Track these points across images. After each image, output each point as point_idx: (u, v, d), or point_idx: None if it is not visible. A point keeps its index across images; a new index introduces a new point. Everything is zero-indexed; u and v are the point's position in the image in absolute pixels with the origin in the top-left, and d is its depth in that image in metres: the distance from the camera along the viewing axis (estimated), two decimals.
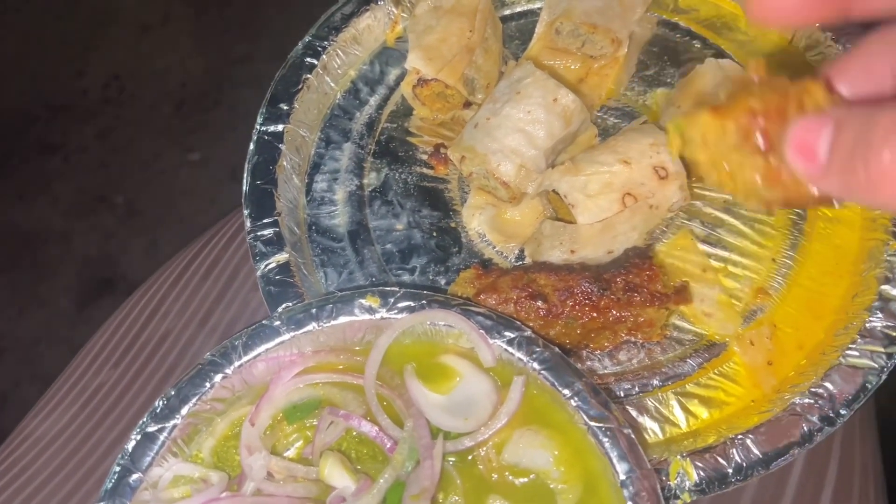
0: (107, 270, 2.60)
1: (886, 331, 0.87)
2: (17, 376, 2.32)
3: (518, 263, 1.01)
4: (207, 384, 0.83)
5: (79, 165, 2.83)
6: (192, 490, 0.80)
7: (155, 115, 2.90)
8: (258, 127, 1.08)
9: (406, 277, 1.02)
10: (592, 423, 0.76)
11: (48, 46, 3.10)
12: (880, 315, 0.88)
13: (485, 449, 0.79)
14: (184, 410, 0.82)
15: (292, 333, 0.85)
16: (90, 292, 2.55)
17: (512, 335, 0.82)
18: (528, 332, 0.82)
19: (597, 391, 0.78)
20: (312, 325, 0.85)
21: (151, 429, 0.81)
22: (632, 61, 1.14)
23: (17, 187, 2.80)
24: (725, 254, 0.99)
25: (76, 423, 1.02)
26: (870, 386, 0.85)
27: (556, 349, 0.81)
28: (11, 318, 2.53)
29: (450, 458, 0.79)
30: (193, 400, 0.82)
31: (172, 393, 0.82)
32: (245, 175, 1.05)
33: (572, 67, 1.13)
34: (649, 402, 0.91)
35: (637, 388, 0.92)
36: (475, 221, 1.04)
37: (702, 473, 0.82)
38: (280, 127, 1.08)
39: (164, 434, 0.81)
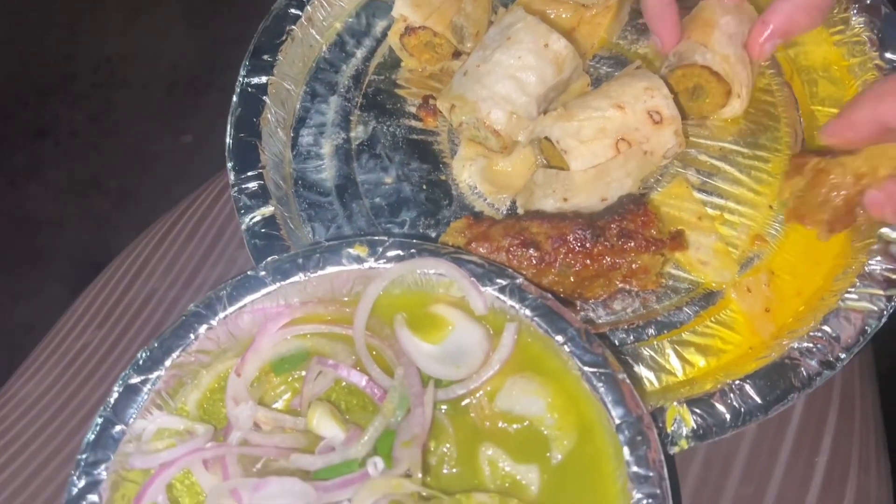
0: (100, 256, 2.51)
1: (886, 273, 0.85)
2: (11, 364, 2.27)
3: (510, 214, 0.99)
4: (191, 335, 0.80)
5: (70, 150, 2.79)
6: (177, 442, 0.78)
7: (146, 99, 2.86)
8: (241, 79, 1.05)
9: (396, 231, 0.99)
10: (586, 369, 0.74)
11: (37, 29, 3.05)
12: (879, 258, 0.87)
13: (477, 397, 0.77)
14: (167, 362, 0.79)
15: (278, 284, 0.82)
16: (84, 278, 2.51)
17: (504, 282, 0.80)
18: (520, 280, 0.80)
19: (591, 337, 0.76)
20: (299, 276, 0.83)
21: (134, 381, 0.78)
22: (624, 10, 1.11)
23: (7, 173, 2.76)
24: (721, 201, 0.97)
25: (60, 384, 1.00)
26: (869, 329, 0.83)
27: (550, 296, 0.79)
28: (5, 305, 2.50)
29: (441, 407, 0.77)
30: (177, 352, 0.80)
31: (155, 345, 0.80)
32: (228, 128, 1.02)
33: (564, 16, 1.10)
34: (645, 351, 0.89)
35: (632, 338, 0.90)
36: (466, 173, 1.02)
37: (699, 420, 0.81)
38: (264, 79, 1.05)
39: (148, 386, 0.78)
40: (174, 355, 0.80)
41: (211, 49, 2.90)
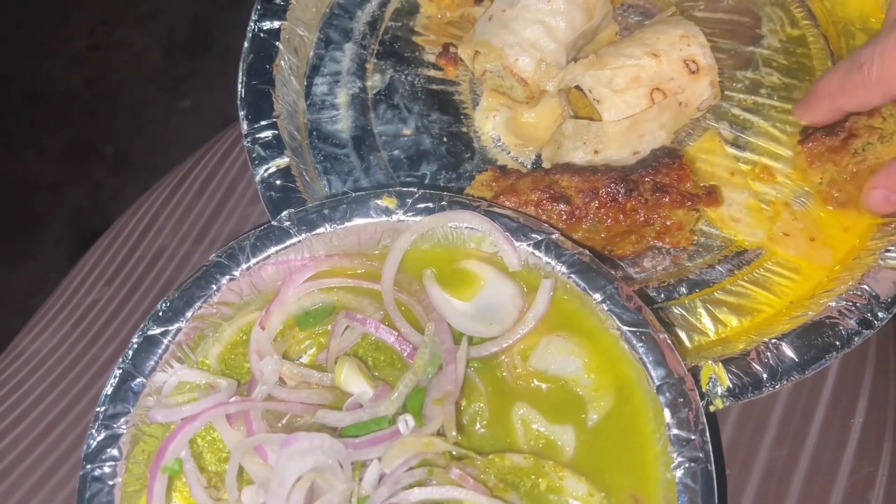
0: (98, 222, 2.50)
1: None
2: (11, 330, 2.25)
3: (535, 168, 0.95)
4: (213, 286, 0.77)
5: (66, 115, 2.73)
6: (199, 396, 0.76)
7: (143, 63, 2.79)
8: (252, 23, 1.00)
9: (415, 185, 0.96)
10: (625, 328, 0.71)
11: None
12: None
13: (510, 355, 0.75)
14: (188, 313, 0.76)
15: (304, 235, 0.79)
16: (82, 244, 2.49)
17: (539, 237, 0.76)
18: (556, 235, 0.76)
19: (630, 295, 0.73)
20: (325, 227, 0.79)
21: (154, 332, 0.75)
22: None
23: (3, 138, 2.70)
24: (755, 157, 0.93)
25: (70, 341, 0.97)
26: None
27: (587, 252, 0.75)
28: (3, 270, 2.47)
29: (473, 365, 0.74)
30: (199, 303, 0.77)
31: (176, 295, 0.77)
32: (240, 74, 0.97)
33: None
34: (676, 310, 0.87)
35: (663, 296, 0.87)
36: (489, 125, 0.98)
37: (734, 379, 0.78)
38: (276, 24, 1.01)
39: (168, 338, 0.75)
40: (196, 306, 0.77)
41: (209, 11, 2.82)
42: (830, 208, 0.89)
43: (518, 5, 0.92)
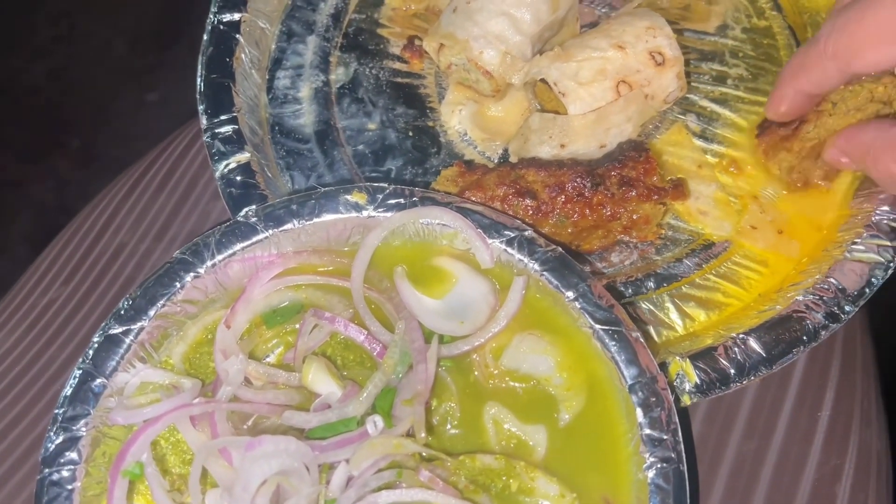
0: (64, 217, 2.44)
1: (892, 223, 0.83)
2: None
3: (502, 162, 0.94)
4: (177, 284, 0.75)
5: (30, 108, 2.65)
6: (162, 397, 0.74)
7: (109, 54, 2.71)
8: (212, 16, 0.98)
9: (380, 180, 0.94)
10: (598, 326, 0.71)
11: None
12: (886, 208, 0.84)
13: (482, 354, 0.74)
14: (151, 312, 0.75)
15: (271, 231, 0.77)
16: (48, 240, 2.44)
17: (512, 234, 0.75)
18: (529, 232, 0.75)
19: (602, 292, 0.72)
20: (293, 223, 0.77)
21: (115, 331, 0.73)
22: None
23: None
24: (722, 148, 0.93)
25: (25, 342, 0.94)
26: (875, 281, 0.81)
27: (559, 248, 0.75)
28: None
29: (443, 364, 0.73)
30: (162, 300, 0.75)
31: (139, 293, 0.75)
32: (199, 68, 0.94)
33: None
34: (643, 305, 0.86)
35: (631, 291, 0.87)
36: (455, 119, 0.96)
37: (702, 375, 0.78)
38: (237, 16, 0.98)
39: (130, 337, 0.73)
40: (159, 304, 0.75)
41: (176, 2, 2.75)
42: (788, 193, 0.90)
43: None
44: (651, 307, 0.86)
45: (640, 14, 0.89)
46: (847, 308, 0.80)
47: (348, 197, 0.78)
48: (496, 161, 0.95)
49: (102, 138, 2.58)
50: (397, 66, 1.01)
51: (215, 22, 0.97)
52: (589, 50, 0.86)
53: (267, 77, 1.00)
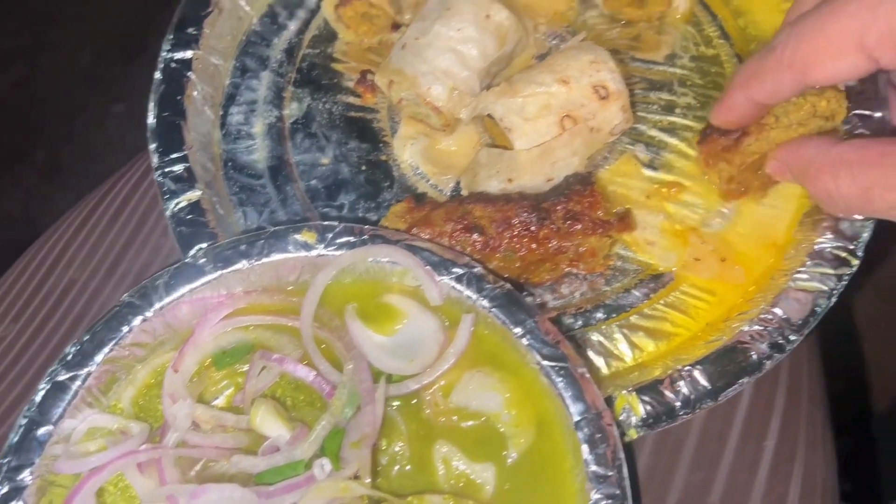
0: (29, 231, 2.41)
1: (836, 252, 0.84)
2: None
3: (454, 196, 0.95)
4: (125, 328, 0.75)
5: None
6: (109, 443, 0.73)
7: (75, 65, 2.69)
8: (164, 54, 0.98)
9: (334, 215, 0.94)
10: (545, 363, 0.71)
11: None
12: (830, 235, 0.85)
13: (431, 392, 0.74)
14: (99, 357, 0.74)
15: (219, 272, 0.77)
16: (13, 254, 2.40)
17: (461, 271, 0.76)
18: (478, 268, 0.76)
19: (549, 328, 0.73)
20: (242, 264, 0.77)
21: (62, 377, 0.73)
22: None
23: None
24: (670, 177, 0.94)
25: None
26: (819, 310, 0.82)
27: (508, 285, 0.75)
28: None
29: (394, 403, 0.73)
30: (110, 345, 0.74)
31: (86, 338, 0.74)
32: (150, 106, 0.95)
33: None
34: (593, 337, 0.87)
35: (580, 322, 0.87)
36: (407, 153, 0.97)
37: (648, 408, 0.78)
38: (189, 53, 0.99)
39: (77, 383, 0.73)
40: (106, 350, 0.75)
41: (143, 13, 2.74)
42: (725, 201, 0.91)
43: (430, 33, 0.91)
44: (601, 338, 0.87)
45: (585, 48, 0.90)
46: (791, 338, 0.81)
47: (298, 236, 0.78)
48: (449, 194, 0.95)
49: (68, 150, 2.56)
50: (351, 100, 1.02)
51: (167, 59, 0.98)
52: (534, 85, 0.87)
53: (221, 113, 1.00)
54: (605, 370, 0.85)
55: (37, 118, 2.62)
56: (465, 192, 0.93)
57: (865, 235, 0.83)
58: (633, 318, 0.87)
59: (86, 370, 0.74)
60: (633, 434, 0.78)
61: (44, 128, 2.60)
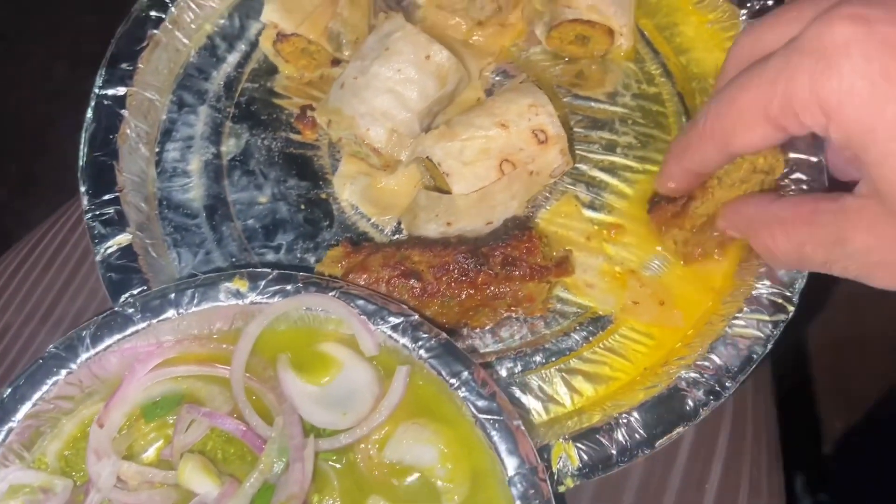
0: (2, 245, 2.37)
1: (772, 298, 0.84)
2: None
3: (395, 237, 0.93)
4: (49, 382, 0.73)
5: None
6: (28, 503, 0.71)
7: (48, 77, 2.65)
8: (96, 91, 0.96)
9: (271, 256, 0.93)
10: (480, 416, 0.70)
11: None
12: (766, 282, 0.85)
13: (366, 445, 0.72)
14: (21, 412, 0.72)
15: (148, 322, 0.75)
16: None
17: (397, 321, 0.75)
18: (415, 317, 0.75)
19: (485, 380, 0.72)
20: (171, 313, 0.76)
21: None
22: (539, 28, 1.03)
23: None
24: (611, 219, 0.94)
25: None
26: (755, 356, 0.82)
27: (444, 335, 0.74)
28: None
29: (326, 457, 0.72)
30: (33, 399, 0.73)
31: (8, 393, 0.72)
32: (81, 146, 0.92)
33: (463, 27, 1.03)
34: (533, 381, 0.86)
35: (520, 366, 0.87)
36: (347, 192, 0.96)
37: (584, 457, 0.78)
38: (122, 90, 0.96)
39: None
40: (28, 405, 0.73)
41: (115, 23, 2.70)
42: (685, 265, 0.90)
43: (369, 73, 0.90)
44: (540, 382, 0.86)
45: (524, 90, 0.89)
46: (728, 384, 0.81)
47: (229, 284, 0.77)
48: (390, 233, 0.94)
49: (41, 163, 2.52)
50: (291, 136, 1.00)
51: (99, 97, 0.95)
52: (473, 129, 0.86)
53: (157, 150, 0.98)
54: (543, 415, 0.84)
55: (9, 131, 2.58)
56: (406, 232, 0.92)
57: (800, 283, 0.84)
58: (573, 362, 0.87)
59: (7, 426, 0.72)
60: (569, 483, 0.77)
61: (15, 141, 2.57)
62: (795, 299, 0.83)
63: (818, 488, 1.70)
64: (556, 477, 0.77)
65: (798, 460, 0.93)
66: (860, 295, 1.05)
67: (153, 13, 1.01)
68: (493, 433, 0.70)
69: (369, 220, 0.95)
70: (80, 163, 0.91)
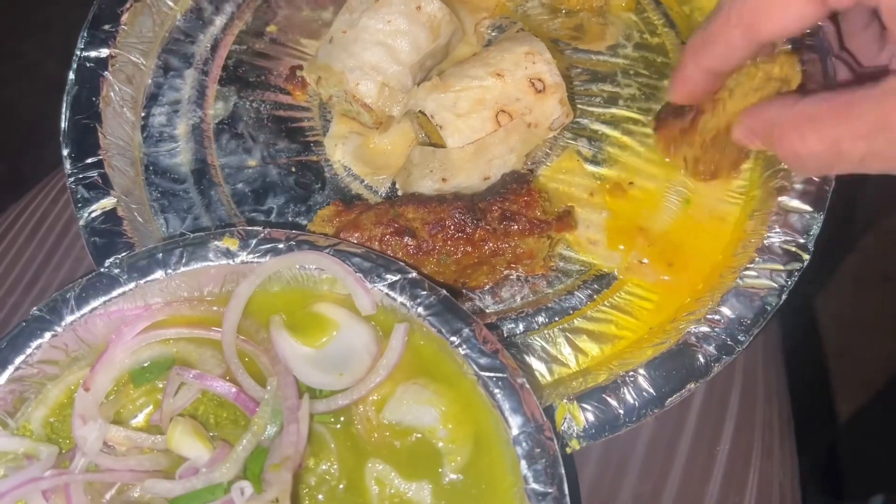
0: None
1: (786, 246, 0.80)
2: None
3: (388, 197, 0.90)
4: (33, 345, 0.70)
5: None
6: (10, 469, 0.69)
7: (39, 73, 2.63)
8: (78, 53, 0.92)
9: (261, 220, 0.89)
10: (483, 373, 0.67)
11: None
12: (778, 230, 0.81)
13: (363, 407, 0.69)
14: (2, 377, 0.70)
15: (136, 283, 0.72)
16: None
17: (394, 278, 0.71)
18: (413, 274, 0.71)
19: (487, 336, 0.68)
20: (159, 273, 0.73)
21: None
22: None
23: None
24: (615, 173, 0.90)
25: None
26: (769, 308, 0.78)
27: (444, 291, 0.71)
28: None
29: (322, 420, 0.69)
30: (16, 363, 0.70)
31: None
32: (63, 109, 0.89)
33: None
34: (535, 342, 0.82)
35: (522, 327, 0.83)
36: (339, 153, 0.92)
37: (591, 417, 0.74)
38: (104, 52, 0.93)
39: None
40: (11, 369, 0.70)
41: None
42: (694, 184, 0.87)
43: (358, 26, 0.86)
44: (543, 343, 0.82)
45: (520, 39, 0.85)
46: (741, 338, 0.77)
47: (219, 243, 0.74)
48: (384, 195, 0.90)
49: (32, 160, 2.49)
50: (280, 98, 0.96)
51: (81, 59, 0.92)
52: (467, 79, 0.82)
53: (142, 114, 0.95)
54: (547, 377, 0.81)
55: (1, 128, 2.56)
56: (401, 193, 0.89)
57: (815, 228, 0.80)
58: (577, 322, 0.83)
59: None
60: (575, 445, 0.74)
61: (7, 138, 2.55)
62: (810, 246, 0.79)
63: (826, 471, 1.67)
64: (561, 439, 0.74)
65: (804, 443, 0.89)
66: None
67: None
68: (496, 391, 0.66)
69: (363, 181, 0.91)
70: (63, 126, 0.88)
